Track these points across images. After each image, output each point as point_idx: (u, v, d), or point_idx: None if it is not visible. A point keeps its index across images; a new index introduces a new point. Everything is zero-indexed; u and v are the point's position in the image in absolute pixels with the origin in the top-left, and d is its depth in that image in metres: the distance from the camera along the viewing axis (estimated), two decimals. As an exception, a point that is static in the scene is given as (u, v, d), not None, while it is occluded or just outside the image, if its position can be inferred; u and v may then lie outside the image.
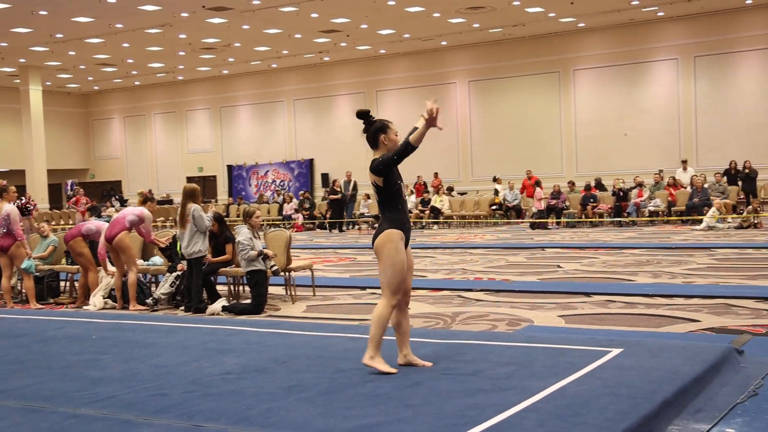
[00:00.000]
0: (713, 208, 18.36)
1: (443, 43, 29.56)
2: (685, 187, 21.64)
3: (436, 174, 27.89)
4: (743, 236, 16.08)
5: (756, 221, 18.25)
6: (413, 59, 31.36)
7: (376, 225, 21.32)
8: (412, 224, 5.23)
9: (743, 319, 7.09)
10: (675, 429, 4.11)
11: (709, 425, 4.11)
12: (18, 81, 32.10)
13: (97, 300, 9.91)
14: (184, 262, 9.52)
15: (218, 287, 10.27)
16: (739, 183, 21.82)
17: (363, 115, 5.53)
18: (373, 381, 5.06)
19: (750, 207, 18.65)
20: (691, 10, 25.26)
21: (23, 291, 10.74)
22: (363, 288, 10.47)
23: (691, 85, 26.18)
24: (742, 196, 20.86)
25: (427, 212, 23.48)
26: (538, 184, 22.36)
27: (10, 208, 10.14)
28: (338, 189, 23.81)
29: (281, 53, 30.73)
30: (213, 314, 8.94)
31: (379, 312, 5.28)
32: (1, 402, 5.06)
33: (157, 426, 4.36)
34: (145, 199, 10.16)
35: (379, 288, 5.37)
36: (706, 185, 20.55)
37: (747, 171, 21.52)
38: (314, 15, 24.03)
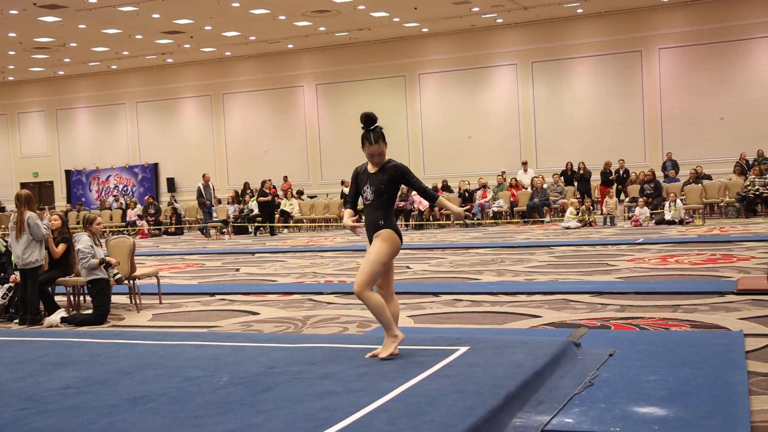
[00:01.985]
0: (570, 208, 19.21)
1: (290, 45, 29.49)
2: (526, 188, 22.60)
3: (285, 177, 27.79)
4: (579, 234, 16.96)
5: (590, 220, 19.29)
6: (260, 62, 31.11)
7: (225, 230, 20.76)
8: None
9: (580, 313, 7.46)
10: (518, 421, 4.26)
11: (550, 416, 4.29)
12: None
13: None
14: (17, 273, 9.00)
15: (57, 298, 9.78)
16: (575, 183, 23.00)
17: (372, 119, 5.57)
18: (223, 388, 4.96)
19: (584, 207, 19.68)
20: (527, 18, 26.45)
21: None
22: (212, 294, 10.26)
23: (530, 89, 27.42)
24: (578, 196, 21.98)
25: (277, 216, 23.32)
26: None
27: None
28: (267, 191, 22.61)
29: (121, 54, 29.67)
30: (51, 326, 8.49)
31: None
32: None
33: (-12, 448, 4.10)
34: None
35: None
36: (545, 186, 21.55)
37: (582, 172, 22.71)
38: (156, 15, 23.36)
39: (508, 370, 4.95)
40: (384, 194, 5.53)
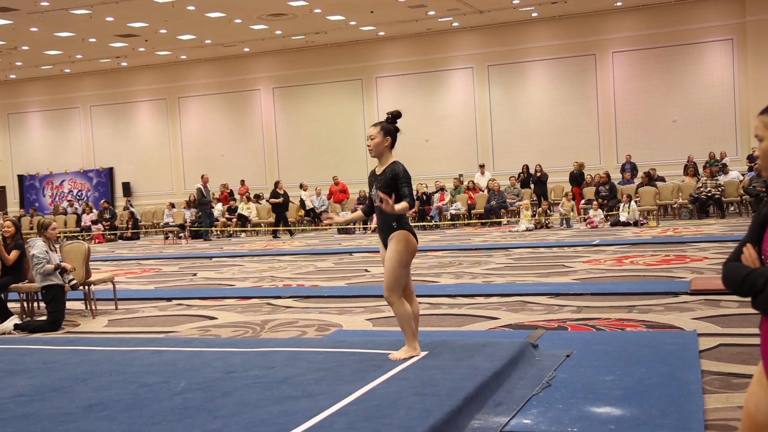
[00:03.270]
0: (524, 210, 19.37)
1: (246, 49, 29.34)
2: (483, 191, 22.75)
3: (242, 181, 27.62)
4: (536, 236, 17.12)
5: (547, 222, 19.50)
6: (216, 65, 30.90)
7: (182, 234, 20.48)
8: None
9: (537, 314, 7.53)
10: (477, 423, 4.29)
11: (508, 417, 4.32)
12: None
13: None
14: (-31, 280, 8.82)
15: (10, 304, 9.59)
16: (532, 186, 23.21)
17: (398, 116, 5.70)
18: (181, 394, 4.91)
19: (540, 209, 19.89)
20: (483, 21, 26.65)
21: None
22: (168, 299, 10.15)
23: (486, 92, 27.64)
24: (534, 199, 22.19)
25: (234, 220, 23.16)
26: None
27: None
28: (281, 192, 21.66)
29: (75, 57, 29.23)
30: (4, 333, 8.33)
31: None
32: None
33: (-62, 460, 4.01)
34: None
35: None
36: (502, 189, 21.71)
37: (539, 174, 22.93)
38: (109, 18, 23.07)
39: (467, 372, 4.97)
40: (389, 196, 5.44)
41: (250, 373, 5.34)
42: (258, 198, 25.81)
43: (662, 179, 22.37)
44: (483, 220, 21.26)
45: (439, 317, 7.79)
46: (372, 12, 24.23)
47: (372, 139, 5.60)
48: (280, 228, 21.57)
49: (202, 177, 22.05)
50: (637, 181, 21.97)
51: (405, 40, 28.47)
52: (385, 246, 5.54)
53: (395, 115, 5.68)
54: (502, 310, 7.92)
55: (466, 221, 21.87)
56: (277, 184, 22.08)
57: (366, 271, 12.20)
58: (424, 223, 21.71)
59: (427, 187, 23.00)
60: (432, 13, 24.98)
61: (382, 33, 27.76)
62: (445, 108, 28.11)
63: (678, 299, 7.89)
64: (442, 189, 22.81)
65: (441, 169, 27.06)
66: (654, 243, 14.03)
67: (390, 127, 5.63)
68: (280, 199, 21.52)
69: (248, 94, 30.67)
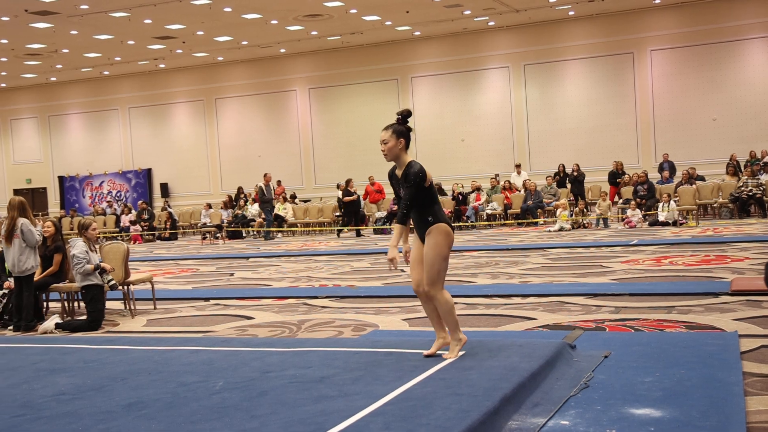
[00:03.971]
0: (561, 210, 19.23)
1: (282, 50, 29.49)
2: (520, 191, 22.62)
3: (279, 182, 27.76)
4: (573, 236, 16.98)
5: (584, 222, 19.32)
6: (252, 66, 31.10)
7: (219, 234, 20.68)
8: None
9: (575, 315, 7.47)
10: (514, 424, 4.26)
11: (546, 418, 4.29)
12: None
13: None
14: (11, 280, 8.98)
15: (51, 303, 9.76)
16: (569, 185, 23.03)
17: (408, 114, 5.63)
18: (219, 393, 4.95)
19: (577, 209, 19.72)
20: (519, 20, 26.49)
21: None
22: (206, 299, 10.24)
23: (522, 92, 27.46)
24: (571, 198, 22.02)
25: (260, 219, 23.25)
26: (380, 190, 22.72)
27: None
28: (353, 190, 21.54)
29: (114, 60, 29.62)
30: (45, 332, 8.47)
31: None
32: None
33: (-18, 456, 4.08)
34: None
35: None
36: (539, 188, 21.57)
37: (576, 174, 22.74)
38: (147, 21, 23.34)
39: (504, 373, 4.94)
40: (418, 195, 5.43)
41: (287, 373, 5.36)
42: (294, 198, 25.95)
43: (702, 178, 22.06)
44: (519, 221, 21.14)
45: (475, 317, 7.76)
46: (408, 12, 24.22)
47: (385, 144, 5.51)
48: (352, 228, 21.33)
49: (265, 176, 22.07)
50: (677, 180, 21.69)
51: (441, 39, 28.41)
52: (422, 241, 5.51)
53: (405, 115, 5.59)
54: (539, 310, 7.86)
55: (503, 221, 21.76)
56: (348, 182, 21.84)
57: (402, 271, 12.19)
58: (460, 224, 21.63)
59: (463, 186, 22.93)
60: (468, 12, 24.90)
61: (417, 33, 27.73)
62: (481, 107, 27.99)
63: (718, 300, 7.77)
64: (478, 189, 22.73)
65: (477, 168, 26.96)
66: (694, 243, 13.84)
67: (402, 128, 5.55)
68: (354, 197, 21.44)
69: (284, 94, 30.83)
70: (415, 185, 5.41)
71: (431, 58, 28.66)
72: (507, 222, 21.58)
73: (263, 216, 22.10)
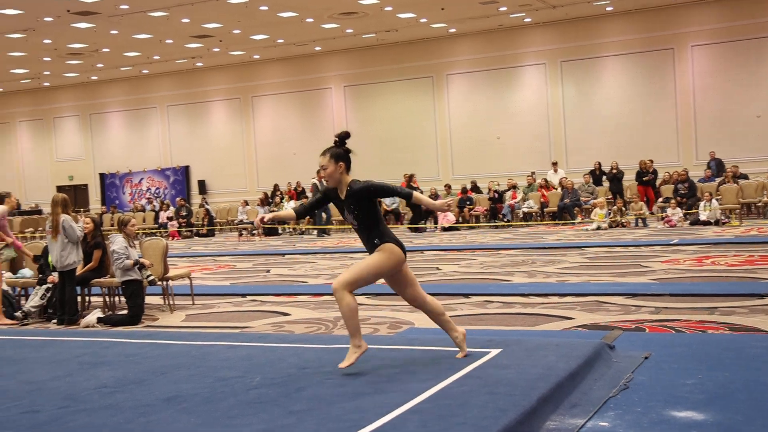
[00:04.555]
0: (598, 209, 19.03)
1: (317, 48, 29.56)
2: (556, 189, 22.44)
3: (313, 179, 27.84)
4: (611, 235, 16.80)
5: (623, 220, 19.11)
6: (288, 64, 31.21)
7: (255, 232, 20.78)
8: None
9: (614, 315, 7.38)
10: (552, 424, 4.22)
11: (584, 419, 4.24)
12: None
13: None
14: (55, 274, 9.14)
15: (92, 298, 9.91)
16: (606, 183, 22.78)
17: (345, 136, 5.60)
18: (256, 389, 4.98)
19: (615, 207, 19.50)
20: (555, 17, 26.25)
21: None
22: (243, 295, 10.31)
23: (559, 89, 27.21)
24: (609, 197, 21.78)
25: (307, 218, 23.37)
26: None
27: None
28: (416, 186, 21.23)
29: (152, 59, 29.93)
30: (88, 326, 8.60)
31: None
32: None
33: (26, 448, 4.17)
34: (0, 197, 9.76)
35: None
36: (576, 186, 21.37)
37: (614, 172, 22.49)
38: (185, 20, 23.54)
39: (541, 372, 4.90)
40: (363, 216, 5.37)
41: (323, 369, 5.38)
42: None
43: (745, 176, 21.67)
44: (556, 219, 20.97)
45: (512, 316, 7.71)
46: (443, 9, 24.13)
47: (325, 170, 5.45)
48: (412, 226, 21.17)
49: (318, 172, 22.04)
50: (721, 178, 21.28)
51: (476, 36, 28.26)
52: None
53: (343, 137, 5.52)
54: (576, 309, 7.79)
55: (539, 220, 21.60)
56: (411, 177, 21.66)
57: (437, 269, 12.16)
58: (496, 223, 21.52)
59: (498, 184, 22.81)
60: (503, 9, 24.73)
61: (453, 30, 27.62)
62: (517, 105, 27.79)
63: (763, 301, 7.63)
64: (514, 187, 22.59)
65: (513, 166, 26.76)
66: (737, 243, 13.61)
67: (339, 151, 5.48)
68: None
69: (320, 92, 30.91)
70: (379, 183, 5.44)
71: (466, 56, 28.52)
72: (543, 221, 21.41)
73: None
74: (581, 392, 4.75)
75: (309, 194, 25.78)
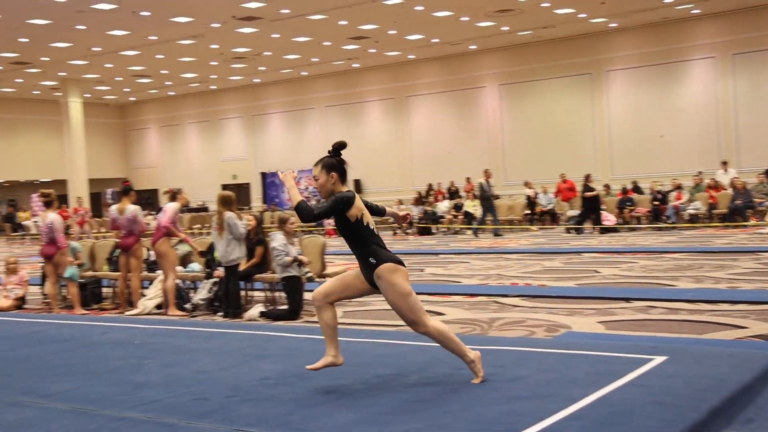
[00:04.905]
0: None
1: (472, 47, 29.42)
2: (726, 189, 21.23)
3: (468, 179, 27.73)
4: (785, 238, 15.75)
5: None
6: (443, 64, 31.26)
7: (409, 230, 20.86)
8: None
9: (791, 323, 6.90)
10: (724, 438, 3.98)
11: (761, 434, 3.98)
12: (59, 94, 32.73)
13: (149, 304, 10.07)
14: (221, 269, 9.57)
15: (255, 293, 10.30)
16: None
17: (340, 147, 5.31)
18: (412, 387, 5.00)
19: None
20: (728, 7, 24.84)
21: (68, 297, 10.85)
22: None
23: (730, 83, 25.72)
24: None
25: (461, 217, 23.32)
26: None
27: (53, 217, 10.29)
28: (592, 185, 20.69)
29: (311, 61, 30.81)
30: (250, 320, 8.95)
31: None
32: (50, 404, 5.19)
33: (200, 430, 4.41)
34: (173, 194, 10.31)
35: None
36: (749, 187, 20.14)
37: (793, 171, 21.01)
38: (343, 22, 24.05)
39: (711, 383, 4.64)
40: (346, 231, 5.20)
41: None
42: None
43: None
44: (726, 224, 19.81)
45: (677, 323, 7.36)
46: (603, 3, 23.41)
47: (316, 180, 5.22)
48: (595, 226, 20.54)
49: (485, 171, 21.98)
50: None
51: (638, 30, 27.21)
52: (370, 284, 5.18)
53: (337, 147, 5.25)
54: (750, 318, 7.32)
55: (707, 222, 20.53)
56: (587, 177, 21.34)
57: (596, 272, 11.80)
58: (659, 225, 20.64)
59: (662, 185, 21.86)
60: (669, 0, 23.69)
61: (613, 24, 26.74)
62: (683, 101, 26.54)
63: None
64: (679, 187, 21.59)
65: (678, 166, 25.55)
66: None
67: (332, 161, 5.20)
68: (594, 192, 20.66)
69: (474, 91, 30.76)
70: (332, 203, 5.12)
71: (628, 51, 27.52)
72: (711, 223, 20.34)
73: (466, 210, 21.71)
74: (757, 407, 4.46)
75: (463, 194, 25.72)
